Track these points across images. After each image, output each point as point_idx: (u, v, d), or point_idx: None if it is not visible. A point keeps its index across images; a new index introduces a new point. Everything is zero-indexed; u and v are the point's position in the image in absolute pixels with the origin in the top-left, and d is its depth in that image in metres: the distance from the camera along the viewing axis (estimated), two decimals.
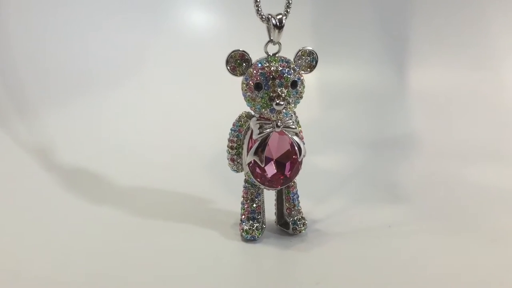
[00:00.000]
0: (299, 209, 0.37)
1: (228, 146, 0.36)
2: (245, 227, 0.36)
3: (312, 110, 0.67)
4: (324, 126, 0.63)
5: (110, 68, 0.62)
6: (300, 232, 0.37)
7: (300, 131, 0.37)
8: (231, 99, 0.41)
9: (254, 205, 0.36)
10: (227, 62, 0.34)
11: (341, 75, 0.69)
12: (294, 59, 0.35)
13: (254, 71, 0.33)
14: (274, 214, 0.38)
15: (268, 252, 0.35)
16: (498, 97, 0.62)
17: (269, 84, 0.33)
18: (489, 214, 0.41)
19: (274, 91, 0.33)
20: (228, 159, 0.36)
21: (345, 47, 0.70)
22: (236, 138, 0.35)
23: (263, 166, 0.34)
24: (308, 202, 0.42)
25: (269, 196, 0.38)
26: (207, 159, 0.51)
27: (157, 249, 0.35)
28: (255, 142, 0.34)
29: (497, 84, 0.64)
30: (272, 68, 0.33)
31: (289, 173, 0.35)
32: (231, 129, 0.36)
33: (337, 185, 0.47)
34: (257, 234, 0.36)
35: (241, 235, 0.36)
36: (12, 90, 0.56)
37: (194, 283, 0.32)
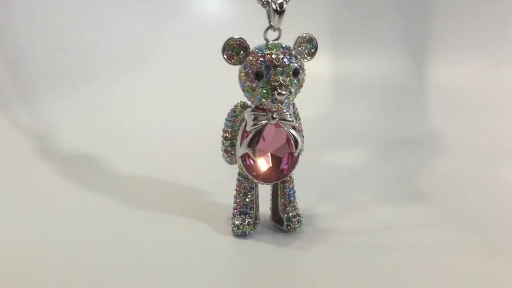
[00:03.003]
0: (295, 206, 0.36)
1: (222, 137, 0.34)
2: (237, 222, 0.34)
3: (328, 103, 0.65)
4: (339, 120, 0.61)
5: (118, 55, 0.61)
6: (294, 229, 0.35)
7: (299, 124, 0.35)
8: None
9: (247, 200, 0.35)
10: (224, 50, 0.32)
11: (358, 68, 0.67)
12: (293, 46, 0.33)
13: (254, 59, 0.31)
14: (269, 209, 0.37)
15: (259, 248, 0.34)
16: None
17: (270, 72, 0.31)
18: None
19: (276, 80, 0.31)
20: (222, 150, 0.35)
21: (364, 39, 0.68)
22: (230, 129, 0.34)
23: (256, 159, 0.33)
24: (313, 198, 0.40)
25: (266, 191, 0.36)
26: (210, 150, 0.50)
27: (147, 241, 0.34)
28: (249, 134, 0.33)
29: None
30: (273, 56, 0.31)
31: (285, 167, 0.34)
32: (225, 119, 0.34)
33: (347, 182, 0.45)
34: (249, 230, 0.34)
35: (232, 230, 0.35)
36: (17, 73, 0.56)
37: (180, 276, 0.30)
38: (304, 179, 0.44)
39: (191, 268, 0.31)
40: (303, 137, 0.35)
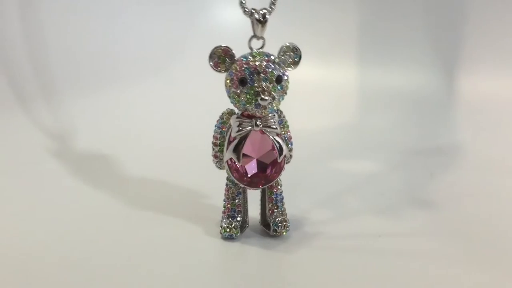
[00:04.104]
0: (283, 211, 0.36)
1: (212, 143, 0.35)
2: (224, 225, 0.35)
3: (352, 112, 0.65)
4: (363, 130, 0.62)
5: (137, 62, 0.64)
6: (280, 234, 0.36)
7: (288, 131, 0.36)
8: None
9: (235, 204, 0.36)
10: (210, 58, 0.33)
11: (385, 78, 0.67)
12: (278, 55, 0.34)
13: (239, 66, 0.33)
14: (259, 214, 0.37)
15: (244, 250, 0.34)
16: None
17: (254, 79, 0.32)
18: None
19: (259, 86, 0.32)
20: (212, 155, 0.36)
21: (392, 49, 0.67)
22: (219, 135, 0.35)
23: (240, 164, 0.34)
24: (309, 204, 0.41)
25: (257, 196, 0.37)
26: None
27: (137, 241, 0.35)
28: (234, 140, 0.34)
29: None
30: (257, 63, 0.32)
31: (270, 173, 0.34)
32: (215, 126, 0.35)
33: (350, 190, 0.45)
34: (235, 233, 0.35)
35: (220, 233, 0.36)
36: (42, 76, 0.58)
37: (164, 275, 0.32)
38: (308, 186, 0.45)
39: (175, 268, 0.32)
40: (291, 144, 0.36)
